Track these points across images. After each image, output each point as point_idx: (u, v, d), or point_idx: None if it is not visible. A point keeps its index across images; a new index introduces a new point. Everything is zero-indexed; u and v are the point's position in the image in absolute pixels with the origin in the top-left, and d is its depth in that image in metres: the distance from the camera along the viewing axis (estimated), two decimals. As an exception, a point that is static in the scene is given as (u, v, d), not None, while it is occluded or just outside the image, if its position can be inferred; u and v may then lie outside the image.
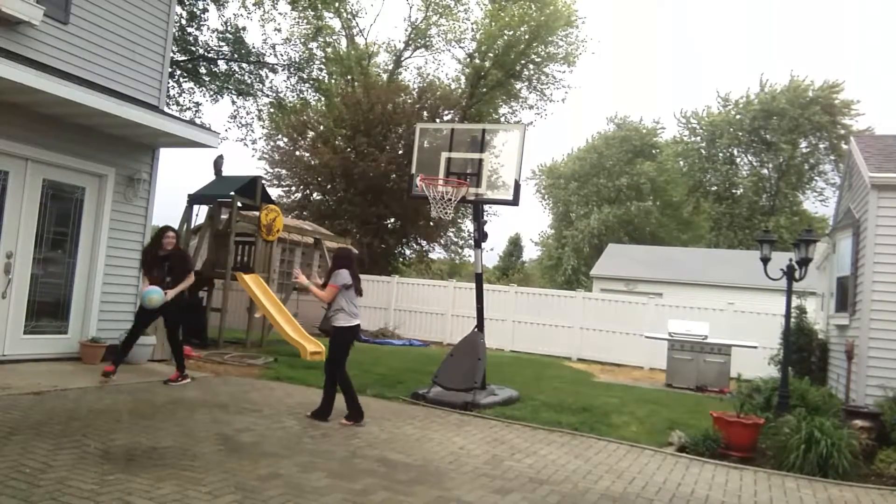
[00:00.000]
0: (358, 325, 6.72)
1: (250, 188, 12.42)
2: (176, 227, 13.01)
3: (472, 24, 30.13)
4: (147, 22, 9.13)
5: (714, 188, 42.31)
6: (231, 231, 11.92)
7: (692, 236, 44.27)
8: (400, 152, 24.16)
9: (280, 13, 32.51)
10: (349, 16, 28.35)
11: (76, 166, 8.42)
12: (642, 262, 28.68)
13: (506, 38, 29.58)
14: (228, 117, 45.16)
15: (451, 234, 29.35)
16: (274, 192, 24.07)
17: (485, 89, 30.69)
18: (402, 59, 31.15)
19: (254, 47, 20.43)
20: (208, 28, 20.02)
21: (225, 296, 11.93)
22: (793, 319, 9.70)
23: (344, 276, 6.56)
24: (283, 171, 26.60)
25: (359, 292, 6.73)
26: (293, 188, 26.84)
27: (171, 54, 13.10)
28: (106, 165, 8.75)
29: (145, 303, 7.56)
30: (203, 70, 20.30)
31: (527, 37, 29.61)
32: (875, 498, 5.57)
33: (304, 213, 25.69)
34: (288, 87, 21.83)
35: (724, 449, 6.56)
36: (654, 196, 44.03)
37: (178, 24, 17.66)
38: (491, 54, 30.43)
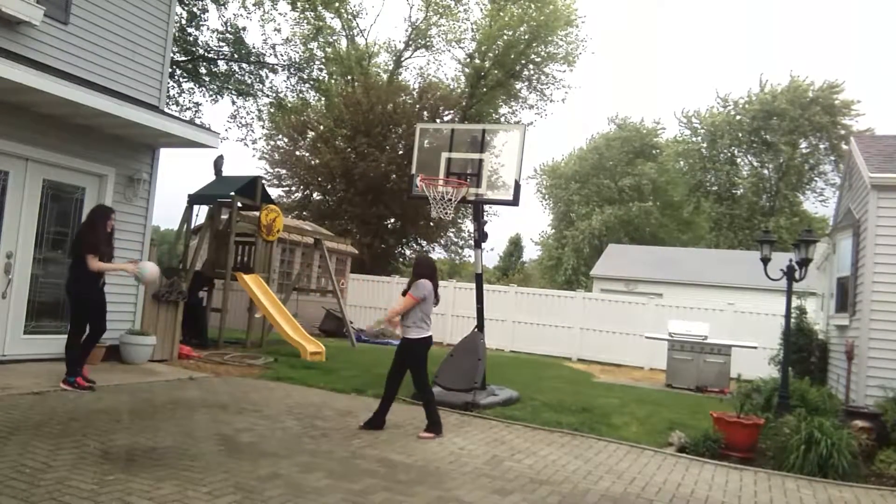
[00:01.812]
0: (430, 337, 6.50)
1: (250, 188, 12.42)
2: (176, 227, 13.10)
3: (471, 24, 30.17)
4: (147, 22, 9.13)
5: (714, 188, 42.33)
6: (231, 231, 11.92)
7: (692, 237, 44.28)
8: (400, 152, 24.17)
9: (280, 13, 32.57)
10: (349, 16, 28.36)
11: (76, 166, 8.42)
12: (642, 262, 28.68)
13: (505, 38, 29.59)
14: (228, 117, 45.17)
15: (451, 235, 29.38)
16: (274, 192, 24.10)
17: (485, 89, 30.69)
18: (403, 59, 31.19)
19: (254, 47, 20.45)
20: (208, 28, 20.00)
21: (225, 296, 11.93)
22: (793, 320, 9.69)
23: (425, 287, 6.37)
24: (284, 171, 26.63)
25: (436, 301, 6.55)
26: (293, 188, 26.87)
27: (172, 54, 13.09)
28: (106, 165, 8.75)
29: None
30: (203, 70, 20.30)
31: (526, 37, 29.62)
32: (875, 498, 5.57)
33: (305, 213, 25.71)
34: (288, 88, 21.84)
35: (724, 449, 6.55)
36: (654, 196, 44.06)
37: (178, 25, 17.65)
38: (491, 54, 30.44)
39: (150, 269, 7.45)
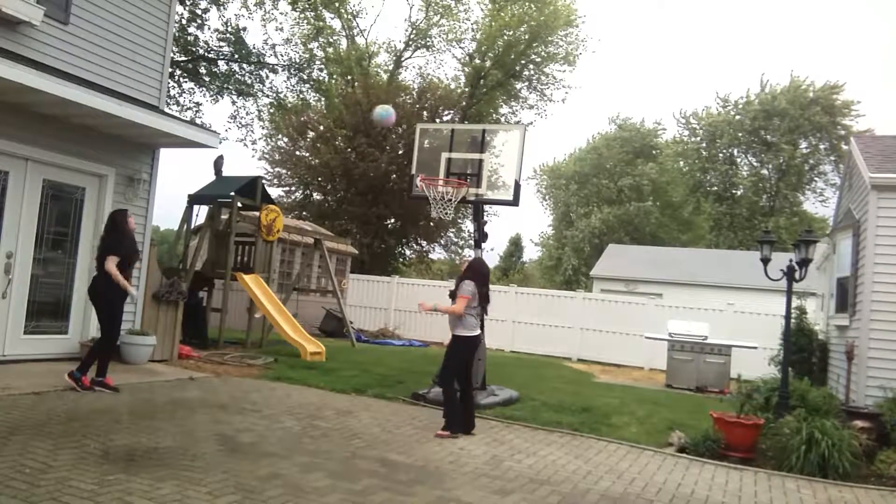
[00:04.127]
0: (477, 336, 6.60)
1: (250, 188, 12.42)
2: (176, 227, 13.09)
3: (472, 24, 30.12)
4: (147, 22, 9.13)
5: (714, 188, 42.35)
6: (231, 231, 11.92)
7: (692, 237, 44.31)
8: (400, 152, 24.17)
9: (281, 13, 32.54)
10: (349, 16, 28.33)
11: (76, 166, 8.42)
12: (642, 262, 28.69)
13: (506, 38, 29.56)
14: (228, 117, 45.08)
15: (451, 235, 29.38)
16: (274, 192, 24.11)
17: (485, 89, 30.68)
18: (403, 59, 31.17)
19: (254, 48, 20.37)
20: (210, 28, 19.95)
21: (225, 296, 11.93)
22: (793, 320, 9.69)
23: (469, 286, 6.53)
24: (284, 171, 26.64)
25: (484, 300, 6.59)
26: (293, 188, 26.87)
27: (172, 54, 13.08)
28: (106, 165, 8.75)
29: None
30: (203, 70, 20.27)
31: (527, 37, 29.60)
32: (875, 498, 5.57)
33: (304, 213, 25.71)
34: (288, 88, 21.76)
35: (724, 450, 6.55)
36: (654, 196, 44.06)
37: (178, 24, 17.63)
38: (491, 54, 30.42)
39: None
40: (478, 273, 6.76)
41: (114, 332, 7.06)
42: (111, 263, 6.79)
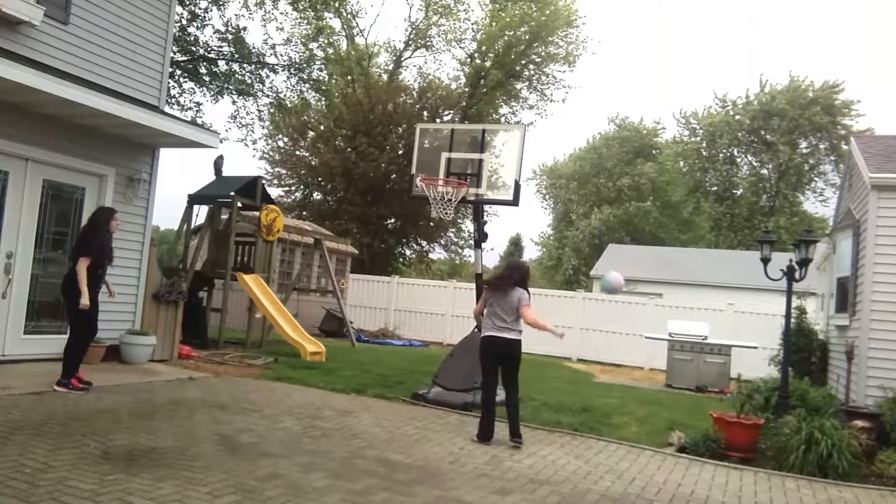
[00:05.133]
0: (493, 338, 6.37)
1: (250, 188, 12.42)
2: (176, 227, 13.10)
3: (472, 24, 30.13)
4: (147, 22, 9.12)
5: (714, 188, 42.34)
6: (231, 231, 11.92)
7: (692, 237, 44.30)
8: (400, 152, 24.19)
9: (281, 13, 32.55)
10: (349, 16, 28.32)
11: (76, 166, 8.41)
12: (642, 262, 28.69)
13: (506, 38, 29.56)
14: (229, 117, 45.10)
15: (451, 235, 29.39)
16: (274, 192, 24.10)
17: (485, 89, 30.67)
18: (403, 59, 31.17)
19: (254, 48, 20.36)
20: (213, 28, 19.93)
21: (225, 296, 11.93)
22: (793, 320, 9.69)
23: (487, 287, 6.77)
24: (284, 171, 26.65)
25: (496, 302, 6.44)
26: (293, 188, 26.88)
27: (172, 54, 13.08)
28: (106, 165, 8.75)
29: None
30: (203, 70, 20.25)
31: (527, 37, 29.60)
32: (875, 498, 5.57)
33: (305, 213, 25.72)
34: (288, 88, 21.75)
35: (724, 449, 6.55)
36: (654, 196, 44.06)
37: (178, 24, 17.62)
38: (491, 54, 30.41)
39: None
40: (488, 282, 6.87)
41: (92, 326, 7.00)
42: (82, 265, 6.72)
